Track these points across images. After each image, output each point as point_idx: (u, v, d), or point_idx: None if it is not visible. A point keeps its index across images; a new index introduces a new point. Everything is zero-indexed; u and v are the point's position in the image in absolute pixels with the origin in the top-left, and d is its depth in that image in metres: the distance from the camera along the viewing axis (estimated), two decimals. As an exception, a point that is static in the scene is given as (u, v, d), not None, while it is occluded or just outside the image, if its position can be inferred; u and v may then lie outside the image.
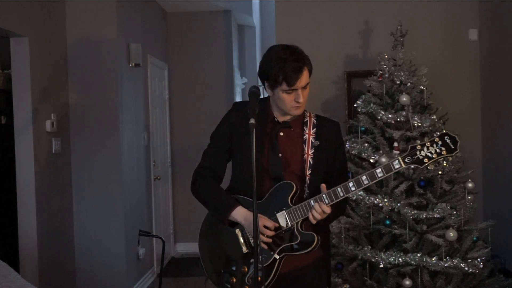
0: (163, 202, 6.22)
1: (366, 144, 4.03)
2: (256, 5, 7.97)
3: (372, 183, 2.19)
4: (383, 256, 3.77)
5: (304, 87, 2.24)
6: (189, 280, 5.56)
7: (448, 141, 2.16)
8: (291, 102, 2.23)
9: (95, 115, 4.66)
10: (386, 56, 4.17)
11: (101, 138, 4.66)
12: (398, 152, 3.92)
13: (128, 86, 4.99)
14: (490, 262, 4.05)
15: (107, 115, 4.66)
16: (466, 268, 3.71)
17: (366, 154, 4.00)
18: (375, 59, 4.57)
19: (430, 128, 3.97)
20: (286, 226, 2.23)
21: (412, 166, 2.20)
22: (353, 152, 4.07)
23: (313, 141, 2.32)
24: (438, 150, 2.15)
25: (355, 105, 4.29)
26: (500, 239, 4.52)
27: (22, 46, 4.03)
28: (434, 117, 3.99)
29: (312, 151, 2.31)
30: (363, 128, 4.16)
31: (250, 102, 2.19)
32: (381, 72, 4.16)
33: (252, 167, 2.06)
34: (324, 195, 2.19)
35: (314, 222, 2.20)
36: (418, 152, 2.16)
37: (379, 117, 4.02)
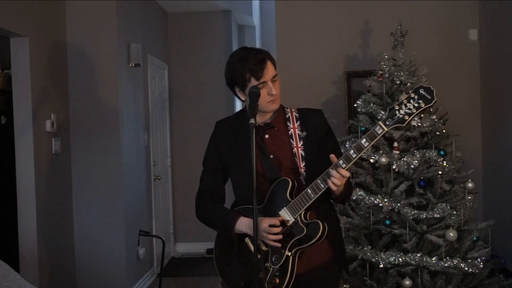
0: (163, 202, 6.22)
1: (366, 144, 4.03)
2: (256, 5, 7.97)
3: (360, 154, 2.13)
4: (383, 256, 3.77)
5: (273, 80, 2.26)
6: (189, 280, 5.56)
7: (424, 93, 2.09)
8: (265, 97, 2.24)
9: (95, 115, 4.66)
10: (386, 56, 4.17)
11: (101, 138, 4.67)
12: (398, 152, 3.92)
13: (128, 86, 4.99)
14: (490, 262, 4.05)
15: (107, 115, 4.66)
16: (466, 268, 3.71)
17: (366, 154, 4.00)
18: (375, 59, 4.57)
19: (430, 128, 3.97)
20: (290, 221, 2.23)
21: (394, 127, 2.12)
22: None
23: (299, 133, 2.32)
24: (416, 104, 2.08)
25: (355, 105, 4.29)
26: (500, 239, 4.52)
27: (22, 46, 4.03)
28: (434, 117, 3.99)
29: (301, 143, 2.31)
30: (363, 128, 4.16)
31: (250, 102, 2.20)
32: (381, 72, 4.16)
33: (252, 167, 2.06)
34: (341, 161, 2.15)
35: (335, 189, 2.16)
36: (397, 112, 2.10)
37: (379, 117, 4.02)
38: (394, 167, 3.87)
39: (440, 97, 4.58)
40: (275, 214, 2.26)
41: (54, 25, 4.46)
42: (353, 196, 3.88)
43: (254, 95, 2.21)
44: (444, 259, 3.71)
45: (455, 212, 3.83)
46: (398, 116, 2.10)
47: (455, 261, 3.71)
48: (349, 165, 2.15)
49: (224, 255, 2.42)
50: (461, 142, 4.33)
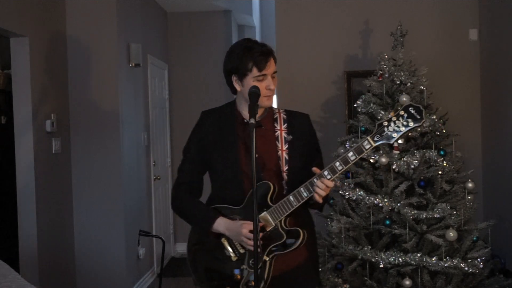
0: (163, 202, 6.22)
1: (366, 144, 4.03)
2: (256, 5, 7.97)
3: (346, 167, 2.15)
4: (383, 256, 3.76)
5: (273, 76, 2.26)
6: (189, 280, 5.54)
7: (413, 112, 2.09)
8: (262, 90, 2.23)
9: (95, 115, 4.66)
10: (386, 56, 4.17)
11: (101, 138, 4.67)
12: (398, 152, 3.92)
13: (128, 86, 4.99)
14: (490, 262, 4.04)
15: (107, 115, 4.66)
16: (466, 268, 3.71)
17: (366, 155, 4.00)
18: (375, 59, 4.57)
19: (430, 128, 3.96)
20: (270, 226, 2.22)
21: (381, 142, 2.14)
22: (353, 152, 4.06)
23: (285, 136, 2.31)
24: (405, 123, 2.09)
25: (355, 105, 4.28)
26: (500, 239, 4.52)
27: (22, 46, 4.03)
28: (434, 117, 3.99)
29: (286, 146, 2.30)
30: (363, 128, 4.16)
31: (250, 102, 2.20)
32: (381, 72, 4.15)
33: (252, 167, 2.06)
34: (326, 172, 2.16)
35: (320, 200, 2.18)
36: (386, 129, 2.11)
37: (379, 117, 4.01)
38: (394, 167, 3.87)
39: (440, 97, 4.62)
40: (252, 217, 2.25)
41: (54, 25, 4.46)
42: (353, 196, 3.88)
43: (255, 95, 2.20)
44: (444, 259, 3.71)
45: (455, 212, 3.82)
46: (387, 133, 2.11)
47: (455, 261, 3.70)
48: (334, 177, 2.16)
49: (197, 253, 2.39)
50: (461, 142, 4.33)
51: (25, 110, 4.06)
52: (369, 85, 4.20)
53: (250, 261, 2.24)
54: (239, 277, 2.25)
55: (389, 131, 2.10)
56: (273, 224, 2.22)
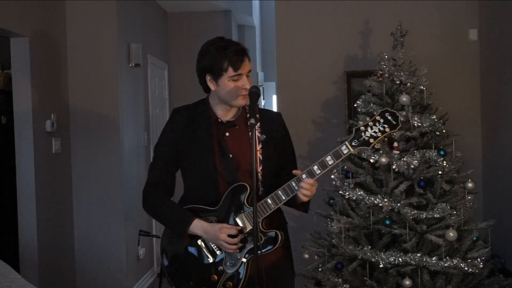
0: (163, 202, 6.21)
1: (366, 144, 4.03)
2: (256, 5, 7.97)
3: (325, 171, 2.18)
4: (383, 256, 3.77)
5: (247, 75, 2.25)
6: (189, 280, 5.55)
7: (389, 117, 2.14)
8: (237, 90, 2.22)
9: (95, 115, 4.66)
10: (386, 56, 4.16)
11: (101, 138, 4.67)
12: (398, 152, 3.92)
13: (128, 86, 4.99)
14: (490, 262, 4.04)
15: (107, 115, 4.66)
16: (466, 268, 3.71)
17: (366, 154, 3.99)
18: (375, 59, 4.57)
19: (430, 128, 3.96)
20: (247, 228, 2.22)
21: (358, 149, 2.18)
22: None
23: (259, 135, 2.28)
24: (381, 128, 2.13)
25: (355, 105, 4.28)
26: (500, 239, 4.52)
27: (22, 46, 4.03)
28: (434, 117, 3.99)
29: (260, 146, 2.28)
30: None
31: (250, 102, 2.19)
32: (381, 72, 4.15)
33: (252, 166, 2.06)
34: (304, 175, 2.18)
35: (306, 199, 2.20)
36: (363, 134, 2.14)
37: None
38: (394, 167, 3.87)
39: (440, 97, 4.62)
40: (229, 219, 2.23)
41: (54, 25, 4.46)
42: (353, 196, 3.88)
43: (255, 95, 2.20)
44: (444, 259, 3.71)
45: (455, 212, 3.82)
46: (364, 138, 2.15)
47: (455, 261, 3.70)
48: (312, 180, 2.18)
49: (171, 255, 2.38)
50: (461, 142, 4.33)
51: (25, 110, 4.06)
52: (369, 85, 4.20)
53: (228, 263, 2.23)
54: (216, 278, 2.25)
55: (366, 136, 2.14)
56: (250, 226, 2.21)
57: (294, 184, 2.18)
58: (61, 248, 4.48)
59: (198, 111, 2.35)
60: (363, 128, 2.14)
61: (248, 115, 2.29)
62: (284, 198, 2.19)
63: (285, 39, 5.33)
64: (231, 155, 2.27)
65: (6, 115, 4.69)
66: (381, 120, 2.13)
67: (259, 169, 2.25)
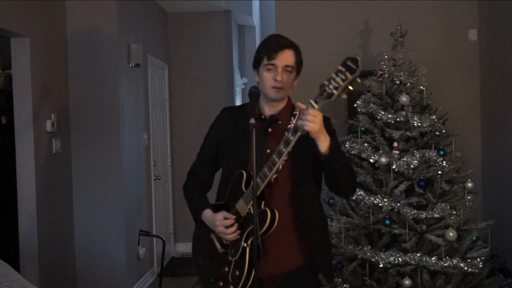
0: (163, 202, 6.22)
1: (366, 144, 4.04)
2: (256, 5, 7.97)
3: (297, 136, 2.05)
4: (383, 256, 3.77)
5: (286, 70, 2.19)
6: (189, 280, 5.56)
7: (350, 64, 1.95)
8: (269, 80, 2.19)
9: (95, 115, 4.66)
10: (386, 56, 4.17)
11: (101, 138, 4.67)
12: (397, 152, 3.93)
13: (128, 86, 4.99)
14: (489, 261, 4.05)
15: (107, 115, 4.67)
16: (466, 268, 3.72)
17: (366, 154, 4.00)
18: (375, 59, 4.57)
19: (430, 128, 3.97)
20: (244, 212, 2.21)
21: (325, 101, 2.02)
22: (353, 152, 4.08)
23: (287, 135, 2.18)
24: (343, 77, 1.95)
25: (355, 105, 4.29)
26: (500, 239, 4.52)
27: (22, 46, 4.03)
28: (434, 117, 3.99)
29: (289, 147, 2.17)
30: (363, 128, 4.16)
31: (250, 102, 2.19)
32: (381, 72, 4.16)
33: (252, 166, 2.06)
34: (289, 134, 2.07)
35: (313, 129, 2.04)
36: (326, 88, 1.99)
37: (379, 117, 4.02)
38: (394, 167, 3.88)
39: (439, 97, 4.62)
40: (231, 207, 2.26)
41: (54, 25, 4.47)
42: (353, 196, 3.89)
43: (254, 95, 2.18)
44: (444, 259, 3.72)
45: (454, 212, 3.83)
46: (327, 92, 1.99)
47: (455, 261, 3.71)
48: (288, 148, 2.07)
49: (197, 251, 2.47)
50: (461, 142, 4.33)
51: (26, 110, 4.07)
52: (369, 85, 4.20)
53: (232, 250, 2.25)
54: (227, 269, 2.26)
55: (329, 89, 1.98)
56: (246, 209, 2.19)
57: (289, 135, 2.08)
58: (62, 248, 4.48)
59: (242, 111, 2.34)
60: (326, 82, 2.00)
61: (294, 112, 2.26)
62: (283, 149, 2.08)
63: (285, 39, 5.33)
64: (268, 150, 2.22)
65: (6, 115, 4.69)
66: (343, 69, 1.96)
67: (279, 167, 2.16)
